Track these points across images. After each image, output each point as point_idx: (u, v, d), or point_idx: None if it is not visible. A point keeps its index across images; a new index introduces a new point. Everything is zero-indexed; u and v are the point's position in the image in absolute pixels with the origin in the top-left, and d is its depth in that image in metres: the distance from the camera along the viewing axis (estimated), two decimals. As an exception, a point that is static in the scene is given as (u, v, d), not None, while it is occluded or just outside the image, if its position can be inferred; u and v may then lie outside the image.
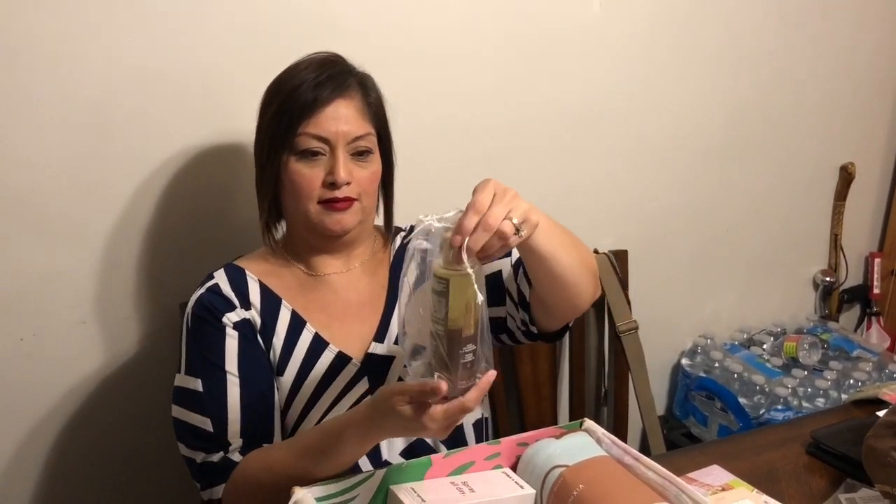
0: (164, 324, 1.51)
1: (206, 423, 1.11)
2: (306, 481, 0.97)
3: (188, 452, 1.13)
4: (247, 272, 1.22)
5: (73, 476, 1.51)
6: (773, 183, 2.14)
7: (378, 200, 1.26)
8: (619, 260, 1.87)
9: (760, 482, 1.17)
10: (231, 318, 1.16)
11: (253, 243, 1.29)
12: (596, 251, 1.88)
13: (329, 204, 1.16)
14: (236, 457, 1.10)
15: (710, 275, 2.12)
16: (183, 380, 1.15)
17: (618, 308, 1.85)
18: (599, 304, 1.87)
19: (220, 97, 1.45)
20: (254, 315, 1.18)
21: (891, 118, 2.28)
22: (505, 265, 1.22)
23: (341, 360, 1.19)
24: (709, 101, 1.98)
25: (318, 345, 1.19)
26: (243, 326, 1.17)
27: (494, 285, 1.22)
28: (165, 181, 1.46)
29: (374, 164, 1.20)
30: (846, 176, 2.23)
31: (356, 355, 1.20)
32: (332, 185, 1.15)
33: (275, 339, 1.18)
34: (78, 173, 1.39)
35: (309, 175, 1.15)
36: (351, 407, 1.18)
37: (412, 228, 1.31)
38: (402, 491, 0.96)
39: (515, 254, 1.22)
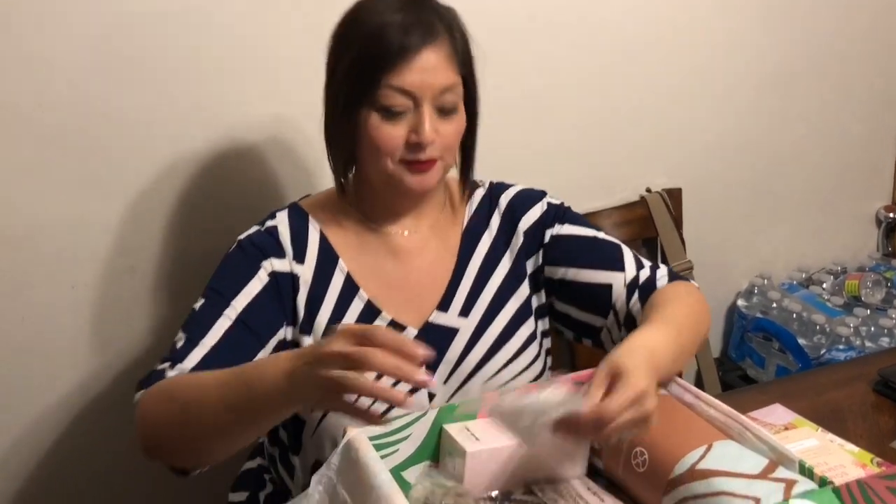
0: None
1: (180, 340, 1.03)
2: (198, 430, 0.91)
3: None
4: (310, 218, 1.14)
5: (120, 420, 1.53)
6: (833, 113, 2.05)
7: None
8: (672, 198, 1.83)
9: (825, 421, 1.13)
10: (273, 264, 1.09)
11: (299, 189, 1.26)
12: (648, 190, 1.83)
13: (411, 164, 1.07)
14: (171, 373, 1.00)
15: (767, 212, 2.05)
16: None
17: (672, 249, 1.81)
18: (653, 246, 1.83)
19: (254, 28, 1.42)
20: (304, 272, 1.11)
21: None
22: (617, 280, 1.14)
23: (394, 329, 1.09)
24: (764, 27, 1.89)
25: (370, 313, 1.11)
26: (283, 279, 1.09)
27: (599, 297, 1.14)
28: (216, 131, 1.45)
29: (460, 118, 1.09)
30: (913, 106, 2.12)
31: (414, 324, 1.13)
32: (416, 145, 1.05)
33: (324, 303, 1.11)
34: (121, 120, 1.38)
35: (390, 134, 1.05)
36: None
37: (491, 186, 1.22)
38: (457, 430, 0.94)
39: (630, 271, 1.14)
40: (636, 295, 1.12)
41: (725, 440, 0.89)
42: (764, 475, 0.83)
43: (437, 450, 0.96)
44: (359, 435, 0.89)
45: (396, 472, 0.93)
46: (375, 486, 0.80)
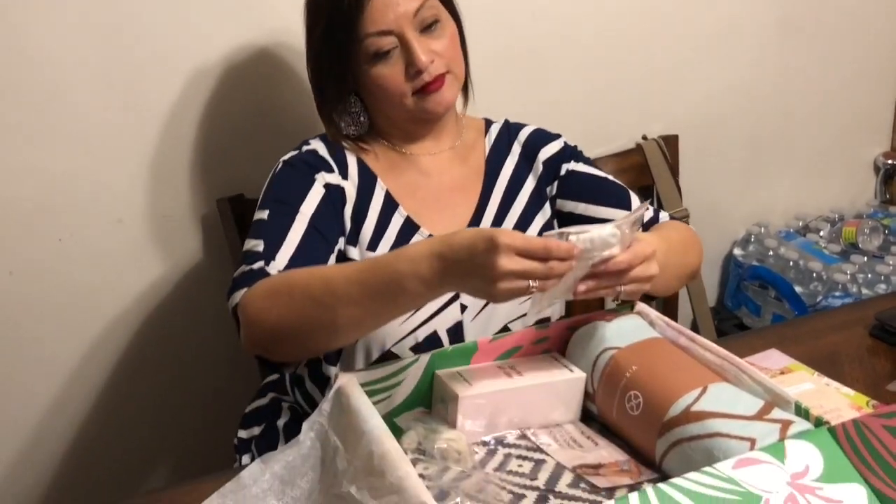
0: (205, 223, 1.50)
1: (258, 246, 1.03)
2: (326, 322, 0.90)
3: (235, 274, 1.02)
4: (344, 145, 1.17)
5: (116, 375, 1.53)
6: (832, 59, 2.01)
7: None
8: (669, 145, 1.80)
9: (821, 366, 1.13)
10: (325, 177, 1.11)
11: (300, 136, 1.23)
12: (645, 137, 1.80)
13: (423, 90, 1.10)
14: (273, 272, 1.00)
15: (764, 159, 2.03)
16: (255, 215, 1.09)
17: (668, 197, 1.78)
18: (649, 193, 1.81)
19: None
20: (349, 187, 1.13)
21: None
22: (618, 217, 1.16)
23: None
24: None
25: (410, 228, 1.14)
26: (335, 191, 1.11)
27: None
28: (198, 78, 1.41)
29: (448, 26, 1.12)
30: (913, 50, 2.09)
31: None
32: (417, 73, 1.08)
33: (368, 218, 1.13)
34: (108, 69, 1.35)
35: (391, 75, 1.09)
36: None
37: (507, 123, 1.27)
38: (449, 376, 0.93)
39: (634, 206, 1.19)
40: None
41: (721, 382, 0.87)
42: (759, 416, 0.82)
43: (430, 395, 0.95)
44: (350, 380, 0.88)
45: (389, 419, 0.92)
46: (367, 431, 0.79)
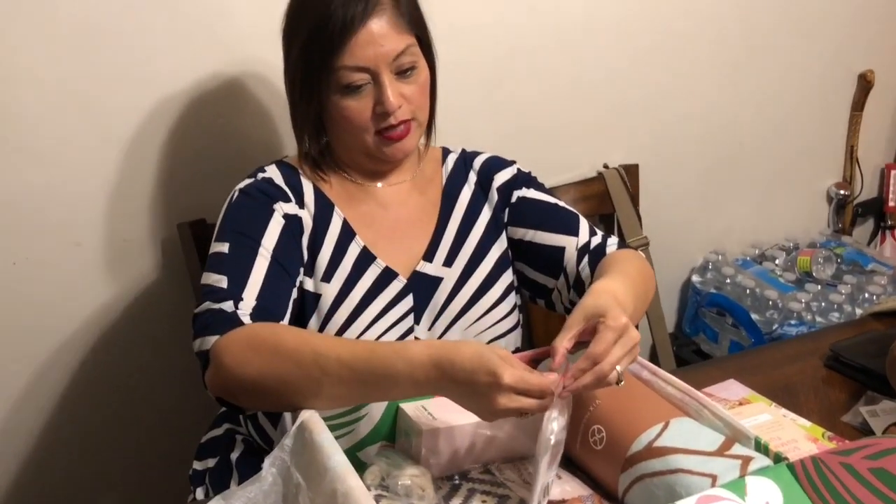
0: (165, 247, 1.48)
1: (221, 282, 1.01)
2: (308, 392, 0.88)
3: (197, 310, 1.00)
4: (300, 172, 1.16)
5: (69, 399, 1.50)
6: (789, 91, 2.06)
7: None
8: (629, 174, 1.82)
9: (778, 396, 1.15)
10: (283, 207, 1.10)
11: (260, 162, 1.22)
12: (606, 166, 1.83)
13: (386, 133, 1.10)
14: (246, 318, 0.97)
15: (722, 188, 2.07)
16: (212, 247, 1.07)
17: (628, 224, 1.81)
18: (610, 222, 1.83)
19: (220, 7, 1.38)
20: (306, 216, 1.13)
21: (913, 23, 2.19)
22: (570, 244, 1.17)
23: (387, 275, 1.14)
24: (721, 7, 1.89)
25: (366, 258, 1.14)
26: (293, 221, 1.11)
27: (552, 258, 1.18)
28: (162, 103, 1.40)
29: (422, 73, 1.11)
30: (864, 84, 2.15)
31: (403, 273, 1.15)
32: (383, 114, 1.08)
33: (324, 246, 1.13)
34: (71, 88, 1.33)
35: (357, 108, 1.08)
36: (394, 324, 1.13)
37: (464, 152, 1.26)
38: (413, 409, 0.93)
39: (583, 237, 1.18)
40: (586, 259, 1.16)
41: (682, 417, 0.89)
42: (720, 452, 0.83)
43: (394, 429, 0.95)
44: (313, 415, 0.87)
45: (352, 453, 0.92)
46: (330, 468, 0.78)
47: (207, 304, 0.99)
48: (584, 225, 1.20)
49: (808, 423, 1.07)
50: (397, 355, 0.85)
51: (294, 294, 1.08)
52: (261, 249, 1.05)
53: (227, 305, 0.98)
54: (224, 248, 1.05)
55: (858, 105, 2.17)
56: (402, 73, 1.08)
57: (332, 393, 0.88)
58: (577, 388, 0.84)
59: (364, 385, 0.87)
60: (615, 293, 0.93)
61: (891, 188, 2.29)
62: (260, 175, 1.14)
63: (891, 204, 2.30)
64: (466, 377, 0.82)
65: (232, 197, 1.12)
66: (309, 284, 1.12)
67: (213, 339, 0.94)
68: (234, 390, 0.94)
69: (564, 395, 0.83)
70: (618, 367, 0.85)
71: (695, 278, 2.06)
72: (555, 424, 0.83)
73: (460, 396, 0.84)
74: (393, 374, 0.85)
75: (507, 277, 1.21)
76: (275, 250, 1.06)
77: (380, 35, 1.05)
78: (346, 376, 0.87)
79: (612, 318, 0.86)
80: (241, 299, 0.99)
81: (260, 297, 1.01)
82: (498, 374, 0.80)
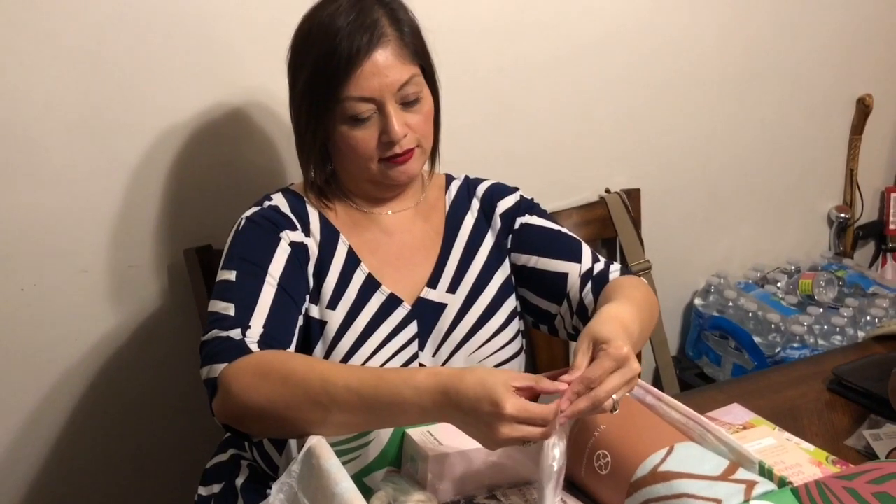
0: (171, 273, 1.49)
1: (228, 309, 1.02)
2: (316, 419, 0.89)
3: (205, 337, 1.01)
4: (306, 200, 1.18)
5: (75, 425, 1.50)
6: (789, 116, 2.08)
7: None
8: (631, 199, 1.84)
9: (782, 420, 1.15)
10: (289, 235, 1.12)
11: (265, 189, 1.24)
12: (608, 190, 1.84)
13: (391, 160, 1.11)
14: (253, 346, 0.98)
15: (724, 212, 2.08)
16: (219, 274, 1.08)
17: (630, 249, 1.82)
18: (612, 246, 1.84)
19: (224, 32, 1.40)
20: (312, 245, 1.14)
21: (910, 48, 2.21)
22: (573, 270, 1.18)
23: (392, 302, 1.15)
24: (723, 32, 1.91)
25: (371, 285, 1.15)
26: (299, 249, 1.12)
27: (555, 284, 1.18)
28: (169, 131, 1.41)
29: (426, 102, 1.13)
30: (863, 108, 2.17)
31: (407, 299, 1.16)
32: (389, 143, 1.10)
33: (330, 274, 1.14)
34: (79, 116, 1.35)
35: (363, 138, 1.10)
36: (399, 350, 1.14)
37: (467, 179, 1.28)
38: (418, 434, 0.94)
39: (586, 264, 1.18)
40: (589, 285, 1.16)
41: (687, 442, 0.89)
42: (725, 477, 0.83)
43: (400, 455, 0.95)
44: (320, 442, 0.88)
45: (358, 478, 0.92)
46: (337, 494, 0.79)
47: (215, 332, 1.00)
48: (587, 251, 1.21)
49: (811, 447, 1.08)
50: (405, 383, 0.86)
51: (300, 321, 1.09)
52: (267, 277, 1.06)
53: (235, 333, 0.99)
54: (231, 275, 1.06)
55: (858, 129, 2.19)
56: (408, 103, 1.10)
57: (340, 420, 0.89)
58: (574, 414, 0.84)
59: (372, 412, 0.88)
60: (623, 319, 0.93)
61: (891, 211, 2.31)
62: (266, 203, 1.16)
63: (891, 227, 2.32)
64: (470, 405, 0.82)
65: (239, 225, 1.14)
66: (314, 311, 1.13)
67: (222, 366, 0.95)
68: (243, 417, 0.94)
69: (563, 421, 0.84)
70: (614, 396, 0.85)
71: (697, 301, 2.07)
72: (556, 451, 0.83)
73: (465, 424, 0.85)
74: (400, 402, 0.86)
75: (511, 303, 1.22)
76: (281, 278, 1.07)
77: (385, 66, 1.07)
78: (355, 403, 0.88)
79: (615, 348, 0.86)
80: (249, 327, 1.01)
81: (267, 325, 1.02)
82: (500, 405, 0.81)
